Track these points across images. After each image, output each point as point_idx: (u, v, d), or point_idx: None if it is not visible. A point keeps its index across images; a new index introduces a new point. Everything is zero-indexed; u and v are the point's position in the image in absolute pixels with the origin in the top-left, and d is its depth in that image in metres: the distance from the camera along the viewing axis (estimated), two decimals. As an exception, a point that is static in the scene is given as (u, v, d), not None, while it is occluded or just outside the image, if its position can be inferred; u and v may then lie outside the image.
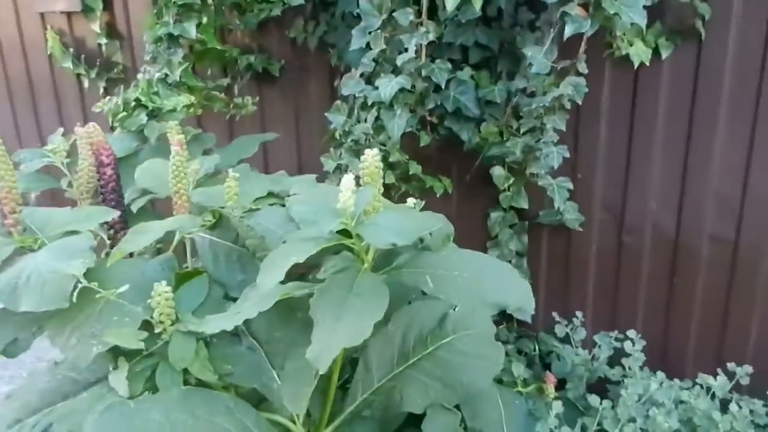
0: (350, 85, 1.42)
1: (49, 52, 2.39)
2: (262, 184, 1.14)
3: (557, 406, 1.16)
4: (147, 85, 1.47)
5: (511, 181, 1.60)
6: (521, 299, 0.85)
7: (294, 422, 1.06)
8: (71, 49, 2.33)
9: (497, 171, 1.62)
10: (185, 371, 0.98)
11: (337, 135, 1.46)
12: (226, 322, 0.83)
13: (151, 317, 0.96)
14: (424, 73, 1.31)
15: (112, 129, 2.24)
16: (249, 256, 1.02)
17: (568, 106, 1.25)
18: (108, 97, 1.53)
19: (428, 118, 1.44)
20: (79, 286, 0.89)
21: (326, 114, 1.49)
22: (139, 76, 1.57)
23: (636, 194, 1.58)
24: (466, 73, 1.37)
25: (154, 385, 0.97)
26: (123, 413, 0.88)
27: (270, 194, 1.10)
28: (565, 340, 1.54)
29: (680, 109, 1.44)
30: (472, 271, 0.88)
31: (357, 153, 1.44)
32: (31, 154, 1.51)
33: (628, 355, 1.37)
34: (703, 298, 1.62)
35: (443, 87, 1.34)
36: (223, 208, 1.05)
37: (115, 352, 0.98)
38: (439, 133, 1.47)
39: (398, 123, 1.34)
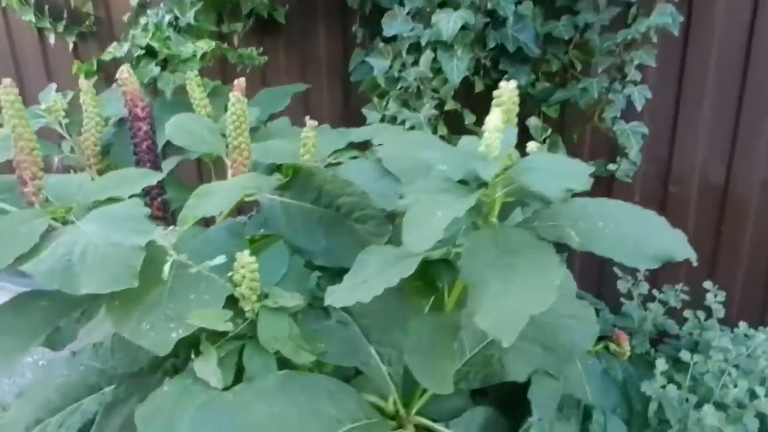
0: (395, 24, 1.28)
1: (3, 4, 2.11)
2: (330, 136, 0.99)
3: (661, 364, 1.10)
4: (156, 30, 1.28)
5: (548, 132, 1.51)
6: (681, 249, 0.75)
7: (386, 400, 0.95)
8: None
9: (533, 122, 1.51)
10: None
11: (381, 82, 1.31)
12: (354, 293, 0.70)
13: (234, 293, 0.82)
14: (489, 6, 1.18)
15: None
16: (335, 217, 0.89)
17: (655, 39, 1.15)
18: (115, 43, 1.32)
19: (482, 60, 1.31)
20: (169, 260, 0.74)
21: (367, 59, 1.34)
22: (143, 20, 1.36)
23: (684, 143, 1.51)
24: (527, 7, 1.24)
25: (237, 372, 0.83)
26: (223, 409, 0.74)
27: (349, 146, 0.96)
28: (628, 296, 1.47)
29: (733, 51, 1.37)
30: (616, 221, 0.77)
31: (405, 102, 1.31)
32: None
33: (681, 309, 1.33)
34: (751, 248, 1.59)
35: (509, 22, 1.22)
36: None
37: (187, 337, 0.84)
38: (491, 78, 1.35)
39: (458, 65, 1.21)
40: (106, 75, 2.11)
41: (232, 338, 0.83)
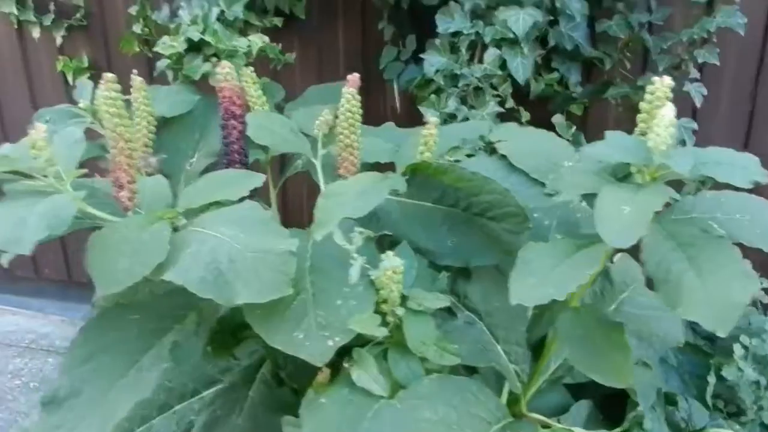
0: (452, 21, 1.27)
1: (-24, -6, 1.93)
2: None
3: (738, 349, 1.15)
4: (204, 23, 1.21)
5: (572, 129, 1.55)
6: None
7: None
8: (12, -11, 1.90)
9: (558, 119, 1.55)
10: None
11: (440, 79, 1.30)
12: (543, 291, 0.69)
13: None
14: (557, 4, 1.20)
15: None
16: (461, 216, 0.88)
17: (714, 39, 1.20)
18: (163, 39, 1.23)
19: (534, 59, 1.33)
20: (356, 264, 0.70)
21: (422, 56, 1.33)
22: (182, 12, 1.29)
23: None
24: (581, 5, 1.27)
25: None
26: (394, 417, 0.72)
27: (460, 144, 0.94)
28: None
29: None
30: (751, 211, 0.81)
31: (464, 100, 1.30)
32: (58, 114, 1.21)
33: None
34: None
35: (562, 21, 1.24)
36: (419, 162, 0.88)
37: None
38: (541, 76, 1.37)
39: (523, 63, 1.22)
40: (98, 74, 1.98)
41: (374, 344, 0.80)
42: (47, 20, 1.89)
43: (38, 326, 2.37)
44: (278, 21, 1.46)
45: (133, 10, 1.68)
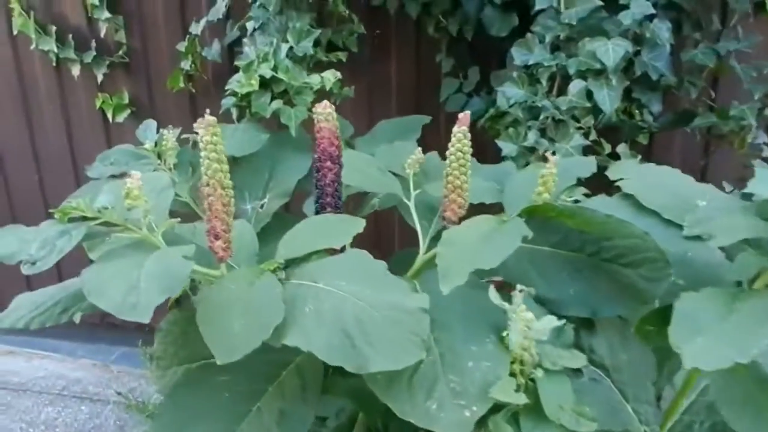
0: (533, 54, 1.22)
1: (14, 32, 1.90)
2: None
3: None
4: (274, 59, 1.16)
5: (637, 159, 1.49)
6: None
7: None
8: (52, 27, 1.86)
9: (622, 149, 1.49)
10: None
11: (517, 111, 1.25)
12: (725, 351, 0.61)
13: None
14: (647, 33, 1.15)
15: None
16: (585, 261, 0.80)
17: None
18: (236, 77, 1.18)
19: (615, 89, 1.28)
20: (515, 326, 0.63)
21: (499, 89, 1.27)
22: (247, 50, 1.24)
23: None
24: (669, 34, 1.22)
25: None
26: (550, 497, 0.63)
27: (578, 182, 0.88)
28: None
29: None
30: None
31: (543, 132, 1.24)
32: (122, 155, 1.15)
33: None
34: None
35: (644, 50, 1.19)
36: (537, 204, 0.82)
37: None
38: (622, 107, 1.31)
39: (610, 94, 1.17)
40: (138, 110, 1.95)
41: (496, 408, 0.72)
42: (88, 57, 1.86)
43: (69, 371, 2.29)
44: (343, 56, 1.42)
45: (181, 46, 1.64)
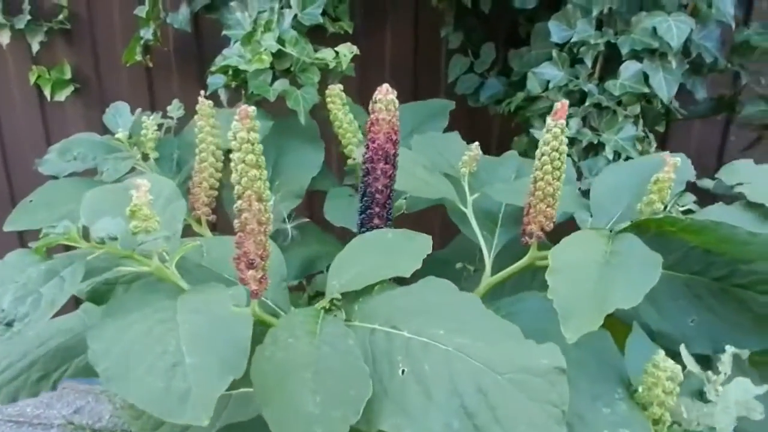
0: (575, 29, 1.07)
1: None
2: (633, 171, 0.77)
3: None
4: (270, 29, 0.95)
5: (653, 148, 1.39)
6: None
7: None
8: (-25, -14, 1.56)
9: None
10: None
11: (556, 96, 1.09)
12: None
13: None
14: (710, 8, 1.02)
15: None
16: (708, 287, 0.67)
17: None
18: (224, 54, 0.96)
19: (661, 72, 1.15)
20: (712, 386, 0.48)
21: (535, 70, 1.12)
22: (237, 15, 1.02)
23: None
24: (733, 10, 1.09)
25: None
26: None
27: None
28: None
29: None
30: None
31: (585, 120, 1.10)
32: (89, 146, 0.93)
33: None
34: None
35: (716, 28, 1.07)
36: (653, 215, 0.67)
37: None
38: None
39: (667, 78, 1.03)
40: (83, 88, 1.68)
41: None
42: (20, 23, 1.57)
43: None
44: (349, 27, 1.22)
45: (141, 11, 1.39)
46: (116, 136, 0.93)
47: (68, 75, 1.65)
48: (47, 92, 1.66)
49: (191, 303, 0.48)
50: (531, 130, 1.12)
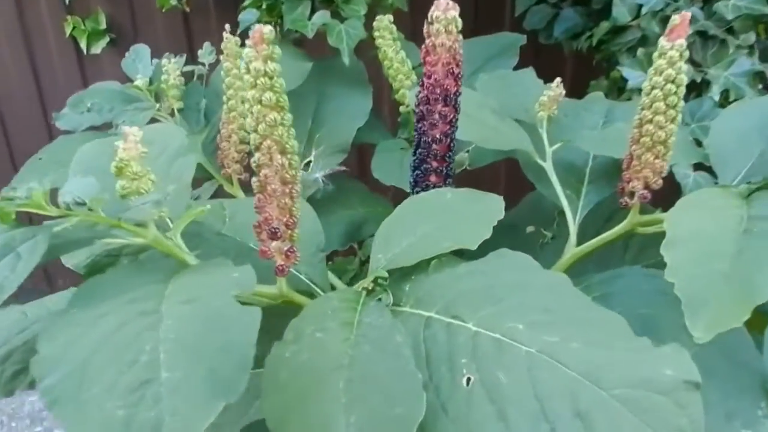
0: None
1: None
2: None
3: None
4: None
5: None
6: None
7: None
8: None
9: None
10: None
11: (651, 26, 0.91)
12: None
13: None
14: None
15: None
16: None
17: None
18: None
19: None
20: None
21: (621, 68, 0.93)
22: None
23: None
24: None
25: None
26: None
27: None
28: None
29: None
30: None
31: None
32: (105, 96, 0.82)
33: None
34: None
35: None
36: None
37: None
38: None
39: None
40: (119, 38, 1.59)
41: None
42: (51, -31, 1.48)
43: None
44: None
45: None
46: (135, 83, 0.82)
47: (103, 25, 1.56)
48: (83, 45, 1.58)
49: (185, 289, 0.36)
50: (618, 68, 0.94)
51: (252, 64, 0.43)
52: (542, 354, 0.38)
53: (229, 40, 0.75)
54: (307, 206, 0.61)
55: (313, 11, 0.87)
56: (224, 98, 0.78)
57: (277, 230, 0.47)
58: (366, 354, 0.39)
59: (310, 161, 0.83)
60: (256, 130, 0.45)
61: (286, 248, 0.48)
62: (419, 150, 0.58)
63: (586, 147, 0.64)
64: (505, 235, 0.83)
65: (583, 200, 0.64)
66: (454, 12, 0.51)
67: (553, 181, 0.64)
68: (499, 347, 0.39)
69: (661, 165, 0.54)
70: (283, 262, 0.49)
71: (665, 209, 0.56)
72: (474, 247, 0.48)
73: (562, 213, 0.65)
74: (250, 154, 0.83)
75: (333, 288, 0.64)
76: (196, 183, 1.52)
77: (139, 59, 0.84)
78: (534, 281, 0.44)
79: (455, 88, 0.54)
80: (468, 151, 0.81)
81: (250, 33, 0.43)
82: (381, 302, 0.46)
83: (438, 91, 0.54)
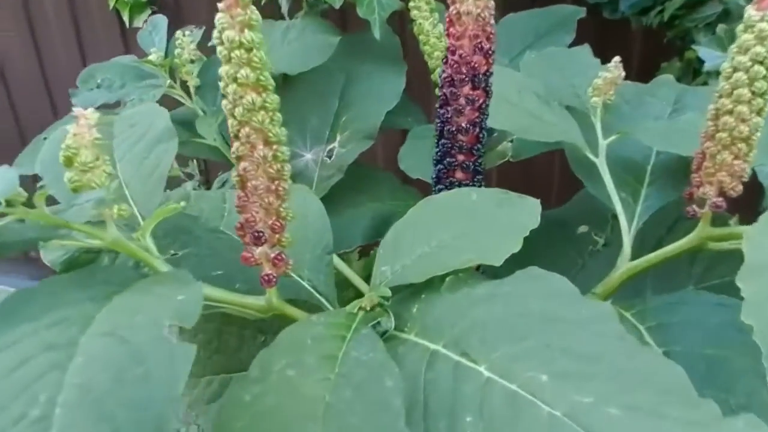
0: None
1: None
2: None
3: None
4: None
5: None
6: None
7: None
8: None
9: None
10: None
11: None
12: None
13: None
14: None
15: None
16: None
17: None
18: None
19: None
20: None
21: (696, 47, 0.80)
22: None
23: None
24: None
25: None
26: None
27: None
28: None
29: None
30: None
31: None
32: (116, 71, 0.76)
33: None
34: None
35: None
36: None
37: None
38: None
39: None
40: (161, 10, 1.54)
41: None
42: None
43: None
44: None
45: None
46: (148, 58, 0.76)
47: (146, -4, 1.52)
48: (126, 17, 1.54)
49: (114, 314, 0.29)
50: (693, 47, 0.81)
51: (225, 33, 0.35)
52: (569, 420, 0.29)
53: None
54: (313, 199, 0.53)
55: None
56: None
57: (261, 234, 0.40)
58: (346, 402, 0.31)
59: (334, 147, 0.76)
60: (232, 115, 0.37)
61: (273, 255, 0.41)
62: (442, 141, 0.49)
63: (647, 141, 0.53)
64: (552, 235, 0.74)
65: (641, 205, 0.54)
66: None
67: (605, 181, 0.54)
68: (514, 404, 0.30)
69: (741, 167, 0.43)
70: (270, 271, 0.41)
71: (744, 218, 0.46)
72: (498, 264, 0.39)
73: (615, 217, 0.55)
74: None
75: (356, 292, 0.57)
76: (214, 167, 1.45)
77: (156, 31, 0.78)
78: (568, 314, 0.35)
79: (485, 67, 0.45)
80: (512, 141, 0.72)
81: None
82: (377, 329, 0.38)
83: (464, 70, 0.45)
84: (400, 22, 0.81)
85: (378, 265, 0.43)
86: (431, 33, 0.74)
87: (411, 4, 0.74)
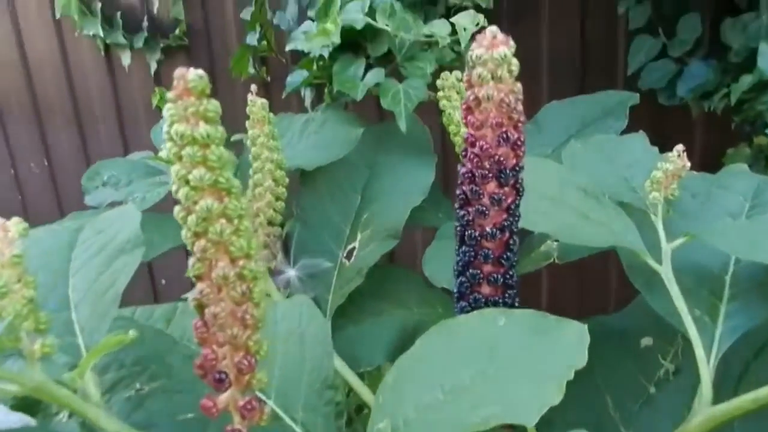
0: None
1: (57, 15, 1.57)
2: None
3: None
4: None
5: None
6: None
7: None
8: (98, 4, 1.50)
9: None
10: None
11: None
12: None
13: None
14: None
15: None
16: None
17: None
18: (301, 29, 0.72)
19: None
20: None
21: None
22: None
23: None
24: None
25: None
26: None
27: None
28: None
29: None
30: None
31: None
32: (124, 169, 0.72)
33: None
34: None
35: None
36: None
37: None
38: None
39: None
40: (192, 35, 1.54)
41: None
42: (138, 41, 1.48)
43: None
44: (486, 1, 0.89)
45: (247, 13, 1.21)
46: (158, 155, 0.71)
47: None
48: (166, 111, 1.56)
49: None
50: (766, 132, 0.72)
51: (174, 127, 0.29)
52: None
53: (254, 103, 0.63)
54: (313, 315, 0.45)
55: (367, 71, 0.73)
56: (250, 172, 0.65)
57: (223, 378, 0.31)
58: None
59: (354, 247, 0.68)
60: (186, 224, 0.30)
61: (242, 402, 0.32)
62: (463, 248, 0.40)
63: (723, 246, 0.43)
64: (610, 347, 0.62)
65: (721, 326, 0.43)
66: (505, 48, 0.33)
67: (672, 294, 0.43)
68: None
69: None
70: (239, 426, 0.32)
71: None
72: (532, 424, 0.29)
73: (687, 340, 0.44)
74: (281, 238, 0.69)
75: None
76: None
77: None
78: None
79: (514, 160, 0.36)
80: (558, 241, 0.62)
81: (174, 78, 0.29)
82: None
83: (487, 164, 0.36)
84: (431, 112, 0.75)
85: (373, 420, 0.33)
86: (461, 124, 0.67)
87: (440, 93, 0.67)
